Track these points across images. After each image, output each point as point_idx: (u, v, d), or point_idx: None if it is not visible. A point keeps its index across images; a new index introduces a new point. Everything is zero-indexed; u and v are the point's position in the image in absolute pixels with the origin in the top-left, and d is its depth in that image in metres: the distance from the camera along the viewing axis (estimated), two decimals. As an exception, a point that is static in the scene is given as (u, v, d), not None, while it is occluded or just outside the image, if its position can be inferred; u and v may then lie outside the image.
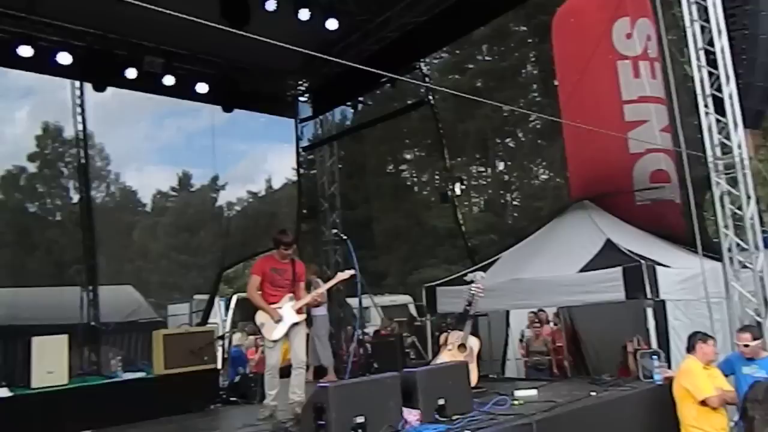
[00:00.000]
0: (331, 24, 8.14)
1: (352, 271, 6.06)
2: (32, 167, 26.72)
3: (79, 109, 9.05)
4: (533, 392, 5.53)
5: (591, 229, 7.36)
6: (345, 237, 5.84)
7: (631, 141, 8.27)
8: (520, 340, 9.50)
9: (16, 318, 8.12)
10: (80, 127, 9.24)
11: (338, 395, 4.14)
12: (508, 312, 9.11)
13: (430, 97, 10.05)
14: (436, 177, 28.23)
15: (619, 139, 8.09)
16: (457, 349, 5.96)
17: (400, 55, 9.08)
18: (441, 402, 4.61)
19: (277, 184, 27.24)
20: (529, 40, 24.54)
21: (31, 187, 26.73)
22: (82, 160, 9.80)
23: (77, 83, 8.93)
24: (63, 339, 6.32)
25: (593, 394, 5.38)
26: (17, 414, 5.69)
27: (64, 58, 7.81)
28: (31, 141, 25.46)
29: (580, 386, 5.89)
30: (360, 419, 4.11)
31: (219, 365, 7.41)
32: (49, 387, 6.04)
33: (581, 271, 6.59)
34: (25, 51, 7.51)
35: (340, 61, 7.15)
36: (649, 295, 6.00)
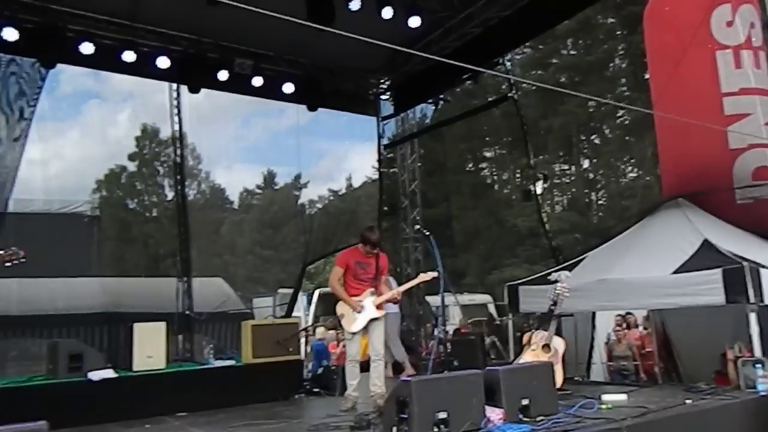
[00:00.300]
0: (414, 21, 8.16)
1: (434, 274, 6.07)
2: (132, 166, 28.56)
3: (175, 110, 9.56)
4: (622, 397, 5.33)
5: (686, 228, 6.95)
6: (428, 233, 5.84)
7: (732, 136, 7.73)
8: (606, 343, 9.17)
9: (119, 306, 8.73)
10: (176, 128, 9.74)
11: (421, 389, 4.16)
12: (594, 314, 8.79)
13: (514, 93, 9.83)
14: (517, 175, 27.66)
15: (717, 134, 7.59)
16: (541, 350, 5.82)
17: (483, 51, 8.96)
18: (525, 402, 4.53)
19: (357, 183, 27.65)
20: (618, 32, 23.53)
21: (131, 185, 28.58)
22: (178, 160, 10.31)
23: (174, 86, 9.42)
24: (161, 326, 6.74)
25: (688, 401, 5.10)
26: (120, 393, 6.13)
27: (163, 62, 8.29)
28: (131, 141, 27.21)
29: (673, 393, 5.59)
30: (442, 415, 4.12)
31: (303, 356, 7.63)
32: (148, 370, 6.46)
33: (676, 272, 6.24)
34: (129, 56, 8.04)
35: (426, 55, 7.16)
36: (752, 300, 5.61)
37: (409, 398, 4.12)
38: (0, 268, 4.25)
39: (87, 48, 7.76)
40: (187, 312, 8.86)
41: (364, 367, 6.14)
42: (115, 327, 8.02)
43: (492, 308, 16.65)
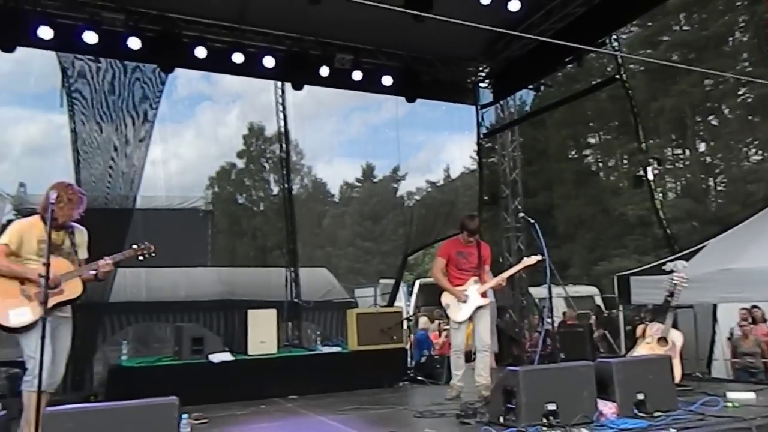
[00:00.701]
0: (514, 5, 7.95)
1: (538, 257, 5.92)
2: (240, 163, 30.18)
3: (281, 108, 9.98)
4: (750, 395, 4.94)
5: (825, 213, 6.32)
6: (532, 220, 5.70)
7: None
8: (729, 339, 8.52)
9: (233, 294, 9.28)
10: (282, 124, 10.17)
11: (529, 379, 4.09)
12: (715, 306, 8.20)
13: (622, 73, 9.30)
14: (624, 161, 26.26)
15: None
16: (656, 343, 5.52)
17: (587, 31, 8.56)
18: (640, 396, 4.33)
19: (455, 174, 27.49)
20: (738, 3, 21.60)
21: (240, 181, 30.22)
22: (283, 155, 10.76)
23: (279, 84, 9.83)
24: (272, 313, 7.09)
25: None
26: (236, 375, 6.52)
27: (269, 61, 8.65)
28: (239, 140, 28.75)
29: (811, 393, 5.11)
30: (551, 406, 4.03)
31: (406, 345, 7.73)
32: (261, 354, 6.83)
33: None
34: (238, 58, 8.47)
35: (529, 36, 6.96)
36: None
37: (517, 388, 4.07)
38: (134, 259, 4.62)
39: (201, 52, 8.26)
40: (296, 300, 9.25)
41: (467, 357, 6.13)
42: (230, 313, 8.55)
43: (599, 300, 15.98)
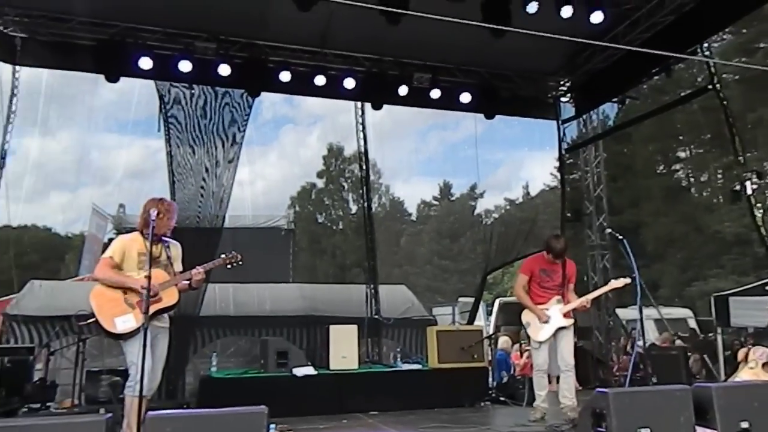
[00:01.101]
0: (596, 17, 7.75)
1: (626, 280, 5.70)
2: (320, 183, 31.04)
3: (360, 127, 10.19)
4: None
5: None
6: (620, 236, 5.48)
7: None
8: None
9: (315, 309, 9.50)
10: (362, 143, 10.37)
11: (620, 402, 3.92)
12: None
13: (715, 82, 8.82)
14: (719, 175, 24.78)
15: None
16: (761, 368, 5.16)
17: (676, 40, 8.21)
18: (744, 425, 4.04)
19: (534, 191, 26.98)
20: None
21: (320, 200, 31.06)
22: (363, 174, 10.93)
23: (359, 104, 10.06)
24: (353, 329, 7.20)
25: None
26: (318, 389, 6.66)
27: (350, 83, 8.89)
28: (319, 160, 29.63)
29: None
30: (645, 431, 3.83)
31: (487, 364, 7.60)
32: (342, 369, 6.93)
33: None
34: (320, 80, 8.77)
35: (617, 46, 6.77)
36: None
37: (607, 410, 3.91)
38: (222, 274, 4.84)
39: (285, 76, 8.61)
40: (376, 316, 9.32)
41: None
42: (312, 328, 8.75)
43: (693, 323, 15.04)
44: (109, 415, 3.24)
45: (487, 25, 4.67)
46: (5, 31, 7.93)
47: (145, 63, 8.01)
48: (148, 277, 3.94)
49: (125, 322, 4.17)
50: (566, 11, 7.54)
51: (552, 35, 4.41)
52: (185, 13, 7.92)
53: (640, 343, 6.76)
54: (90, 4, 7.59)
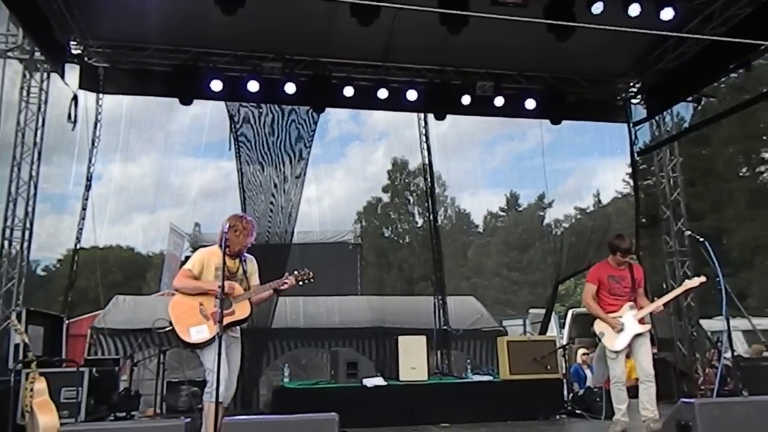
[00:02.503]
0: (666, 13, 7.46)
1: (701, 279, 5.42)
2: (385, 197, 31.25)
3: (424, 139, 10.20)
4: None
5: None
6: (701, 238, 5.20)
7: None
8: None
9: (384, 321, 9.54)
10: (425, 155, 10.38)
11: (708, 413, 3.70)
12: None
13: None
14: (812, 176, 23.18)
15: None
16: None
17: (755, 33, 7.77)
18: None
19: (606, 199, 26.07)
20: None
21: (385, 215, 31.28)
22: (428, 187, 10.93)
23: (422, 116, 10.09)
24: (422, 339, 7.15)
25: None
26: (389, 400, 6.64)
27: (412, 95, 8.94)
28: (384, 175, 29.87)
29: None
30: (737, 444, 3.59)
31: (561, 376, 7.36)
32: (412, 381, 6.89)
33: None
34: (383, 93, 8.86)
35: (696, 36, 6.48)
36: None
37: (693, 422, 3.69)
38: (293, 287, 4.92)
39: (349, 91, 8.78)
40: (444, 327, 9.24)
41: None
42: (381, 340, 8.78)
43: (787, 334, 13.99)
44: (188, 420, 3.36)
45: (551, 21, 4.58)
46: (89, 61, 8.50)
47: (216, 85, 8.37)
48: (221, 287, 4.07)
49: (199, 332, 4.32)
50: (634, 9, 7.31)
51: (622, 29, 4.25)
52: (252, 36, 8.23)
53: (728, 354, 6.36)
54: (164, 32, 8.04)
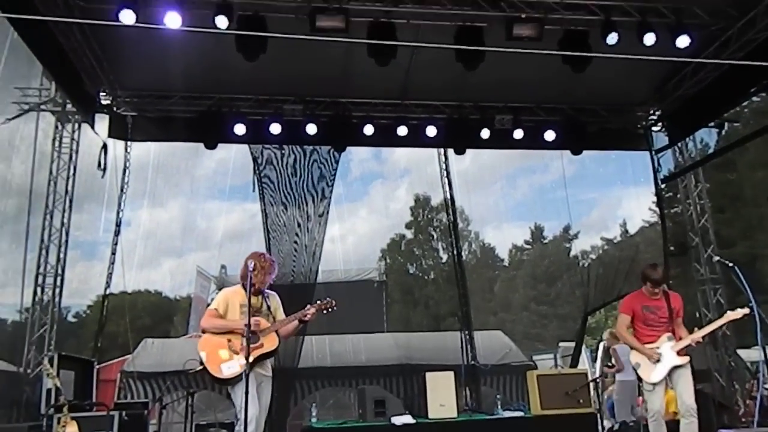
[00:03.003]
0: (682, 41, 7.48)
1: (745, 310, 5.23)
2: (409, 234, 31.21)
3: (445, 173, 10.26)
4: None
5: None
6: (731, 264, 5.08)
7: None
8: None
9: (411, 358, 9.44)
10: (447, 190, 10.42)
11: (748, 444, 3.55)
12: None
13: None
14: (844, 199, 22.54)
15: None
16: None
17: (774, 56, 7.75)
18: None
19: (633, 229, 25.66)
20: None
21: (410, 251, 31.19)
22: (451, 222, 10.94)
23: (442, 151, 10.17)
24: (450, 375, 7.05)
25: None
26: (419, 439, 6.51)
27: (431, 131, 9.04)
28: (407, 212, 29.92)
29: None
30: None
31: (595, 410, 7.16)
32: (442, 418, 6.77)
33: None
34: (402, 131, 8.98)
35: (715, 61, 6.49)
36: None
37: (734, 454, 3.55)
38: (318, 326, 4.94)
39: (369, 129, 8.91)
40: (473, 363, 9.10)
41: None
42: (409, 377, 8.68)
43: (831, 363, 13.43)
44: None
45: (567, 53, 4.65)
46: (118, 111, 8.81)
47: (240, 129, 8.58)
48: (248, 326, 4.12)
49: (230, 367, 4.37)
50: (649, 38, 7.34)
51: (635, 56, 4.29)
52: (273, 80, 8.47)
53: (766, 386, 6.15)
54: (188, 80, 8.32)
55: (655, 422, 5.34)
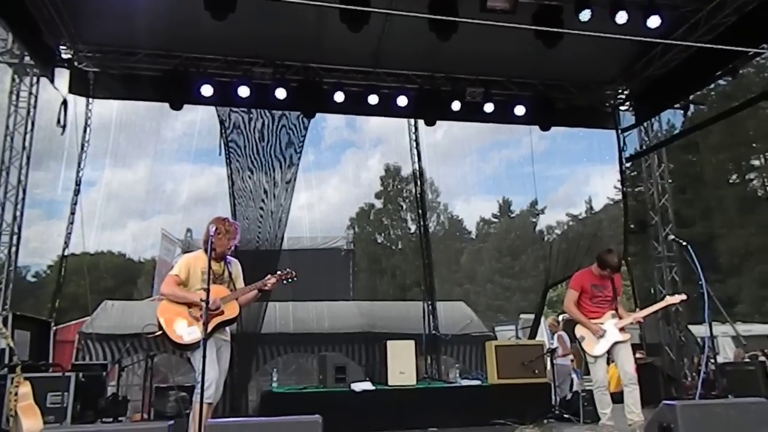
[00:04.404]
0: (653, 21, 7.54)
1: (682, 296, 5.63)
2: (378, 203, 31.26)
3: (414, 144, 10.23)
4: None
5: None
6: (684, 242, 5.26)
7: None
8: None
9: (374, 326, 9.53)
10: (416, 161, 10.41)
11: (689, 415, 3.70)
12: None
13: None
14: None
15: None
16: None
17: (742, 41, 7.86)
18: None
19: (597, 206, 26.16)
20: None
21: (378, 221, 31.28)
22: (419, 192, 10.96)
23: (412, 124, 10.12)
24: (410, 344, 7.16)
25: None
26: (377, 405, 6.65)
27: (402, 100, 8.98)
28: (378, 181, 29.91)
29: None
30: (718, 446, 3.61)
31: (549, 380, 7.38)
32: (401, 385, 6.89)
33: None
34: (373, 99, 8.90)
35: (684, 44, 6.58)
36: None
37: (675, 424, 3.70)
38: (283, 292, 4.93)
39: (339, 97, 8.79)
40: (434, 332, 9.24)
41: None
42: (371, 345, 8.78)
43: (776, 339, 14.10)
44: (171, 422, 3.35)
45: (539, 28, 4.65)
46: (79, 66, 8.50)
47: (207, 90, 8.37)
48: (207, 290, 4.09)
49: (191, 333, 4.34)
50: (621, 17, 7.39)
51: (609, 35, 4.33)
52: (243, 41, 8.26)
53: (710, 358, 6.41)
54: (154, 37, 8.06)
55: (600, 392, 5.60)
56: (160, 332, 4.46)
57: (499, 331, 13.85)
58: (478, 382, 7.30)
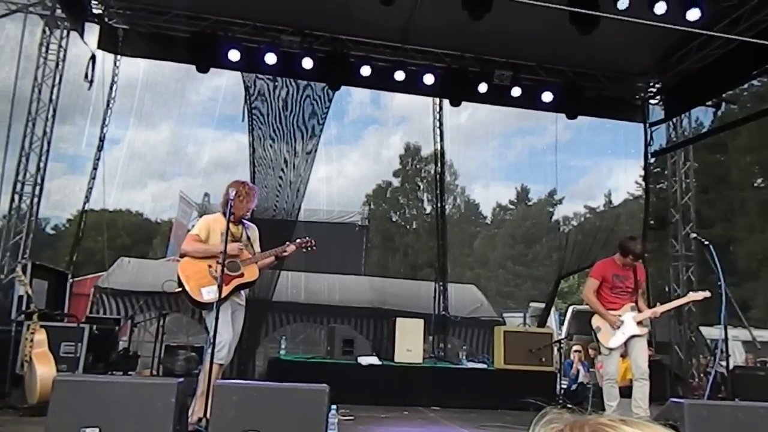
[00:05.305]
0: (693, 14, 7.33)
1: (706, 293, 5.47)
2: (396, 182, 31.18)
3: (437, 124, 10.14)
4: None
5: None
6: (707, 242, 5.18)
7: None
8: None
9: (384, 303, 9.58)
10: (438, 141, 10.33)
11: (696, 414, 3.68)
12: None
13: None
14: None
15: None
16: None
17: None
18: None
19: (617, 200, 25.88)
20: None
21: (394, 199, 31.24)
22: (438, 172, 10.91)
23: (437, 104, 10.02)
24: (419, 323, 7.20)
25: None
26: (382, 379, 6.72)
27: (429, 78, 8.86)
28: (396, 160, 29.80)
29: None
30: (723, 447, 3.59)
31: (555, 369, 7.38)
32: (407, 363, 6.94)
33: None
34: (400, 75, 8.79)
35: (725, 36, 6.41)
36: None
37: (682, 423, 3.68)
38: (296, 262, 4.96)
39: (366, 71, 8.71)
40: (443, 313, 9.27)
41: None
42: (380, 321, 8.83)
43: (789, 347, 13.93)
44: (181, 379, 3.40)
45: (575, 10, 4.53)
46: (109, 22, 8.50)
47: (234, 55, 8.33)
48: (224, 252, 4.12)
49: (210, 292, 4.38)
50: (660, 7, 7.19)
51: (649, 22, 4.20)
52: (274, 8, 8.20)
53: (725, 362, 6.35)
54: (186, -2, 8.01)
55: (609, 385, 5.57)
56: (180, 289, 4.51)
57: (508, 317, 13.84)
58: (484, 366, 7.33)
